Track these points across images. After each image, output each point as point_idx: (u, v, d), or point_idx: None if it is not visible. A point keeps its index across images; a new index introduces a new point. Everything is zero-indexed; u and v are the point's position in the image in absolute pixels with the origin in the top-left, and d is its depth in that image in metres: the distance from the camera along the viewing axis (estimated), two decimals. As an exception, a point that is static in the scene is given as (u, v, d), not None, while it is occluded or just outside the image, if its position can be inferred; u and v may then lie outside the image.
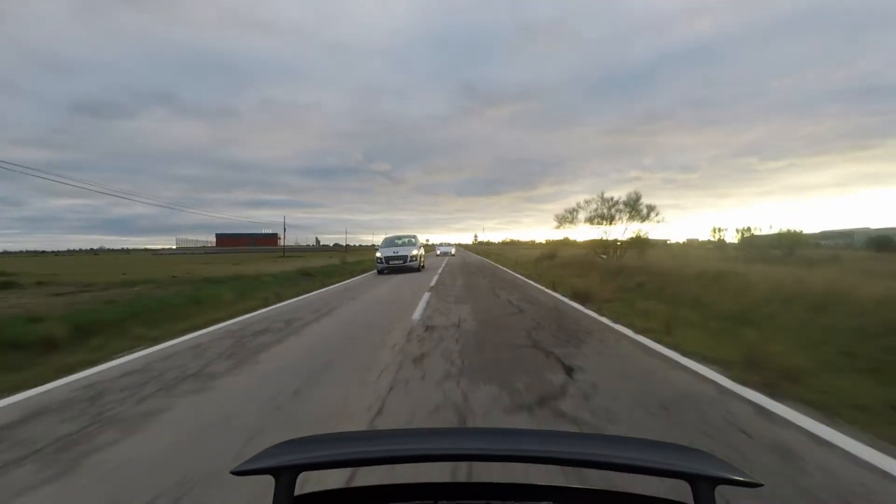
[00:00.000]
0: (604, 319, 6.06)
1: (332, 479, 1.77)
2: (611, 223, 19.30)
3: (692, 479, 0.62)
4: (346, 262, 25.26)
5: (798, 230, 28.86)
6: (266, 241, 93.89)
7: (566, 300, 8.05)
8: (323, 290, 11.40)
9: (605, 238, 19.55)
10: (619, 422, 2.63)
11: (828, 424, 2.57)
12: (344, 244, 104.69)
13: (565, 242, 27.69)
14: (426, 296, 9.00)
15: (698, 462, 0.67)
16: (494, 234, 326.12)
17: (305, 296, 9.98)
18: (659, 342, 4.62)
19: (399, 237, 19.11)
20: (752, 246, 31.19)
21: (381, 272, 16.57)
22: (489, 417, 2.74)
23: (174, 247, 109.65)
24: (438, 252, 41.59)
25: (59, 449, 2.45)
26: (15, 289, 13.55)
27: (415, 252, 17.39)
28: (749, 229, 37.63)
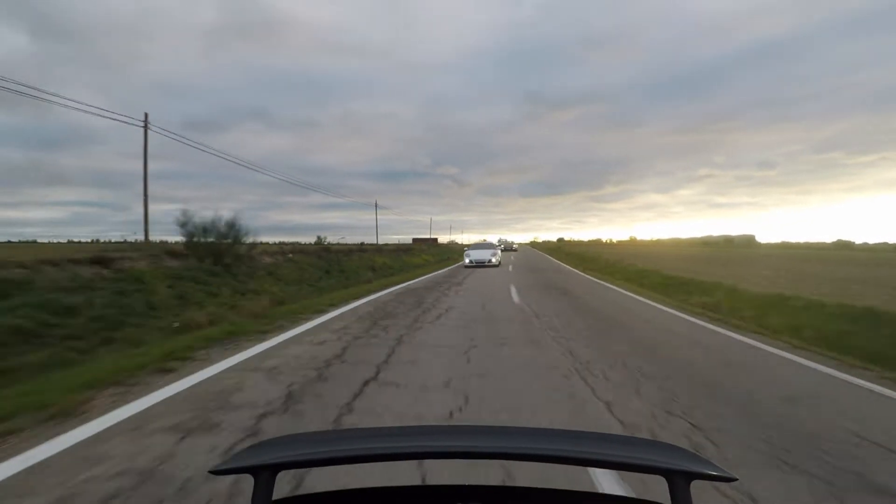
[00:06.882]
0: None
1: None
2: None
3: (668, 474, 0.63)
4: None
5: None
6: (433, 241, 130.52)
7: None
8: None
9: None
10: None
11: (592, 275, 28.94)
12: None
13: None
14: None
15: (674, 458, 0.67)
16: (557, 234, 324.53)
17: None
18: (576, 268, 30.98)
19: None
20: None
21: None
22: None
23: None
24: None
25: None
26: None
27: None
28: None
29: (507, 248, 53.48)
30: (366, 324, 6.47)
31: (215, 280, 9.98)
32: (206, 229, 10.89)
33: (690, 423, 2.92)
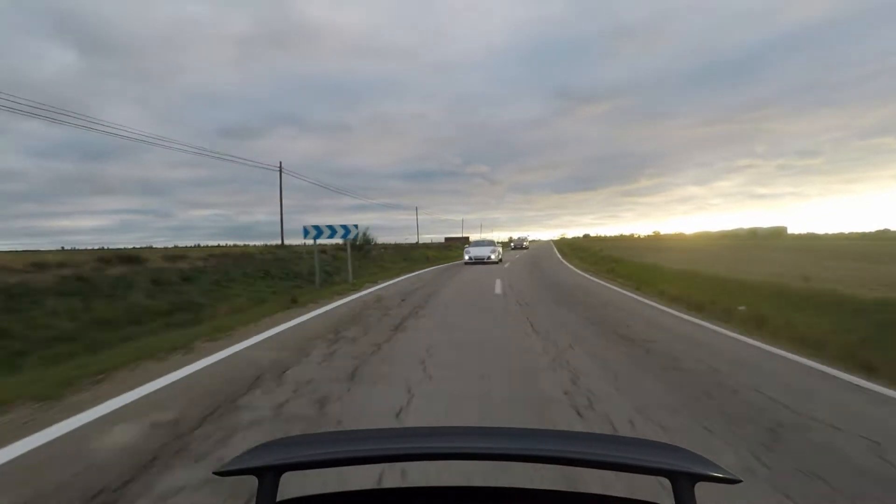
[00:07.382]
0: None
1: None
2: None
3: (672, 475, 0.63)
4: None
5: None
6: (465, 240, 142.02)
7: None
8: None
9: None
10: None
11: (568, 261, 39.24)
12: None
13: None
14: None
15: (678, 459, 0.68)
16: (589, 230, 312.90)
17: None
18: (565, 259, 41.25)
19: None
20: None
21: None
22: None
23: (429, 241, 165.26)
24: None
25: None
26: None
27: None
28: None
29: (517, 245, 49.74)
30: (440, 270, 17.55)
31: (364, 261, 21.32)
32: (357, 235, 22.41)
33: (534, 288, 13.73)
